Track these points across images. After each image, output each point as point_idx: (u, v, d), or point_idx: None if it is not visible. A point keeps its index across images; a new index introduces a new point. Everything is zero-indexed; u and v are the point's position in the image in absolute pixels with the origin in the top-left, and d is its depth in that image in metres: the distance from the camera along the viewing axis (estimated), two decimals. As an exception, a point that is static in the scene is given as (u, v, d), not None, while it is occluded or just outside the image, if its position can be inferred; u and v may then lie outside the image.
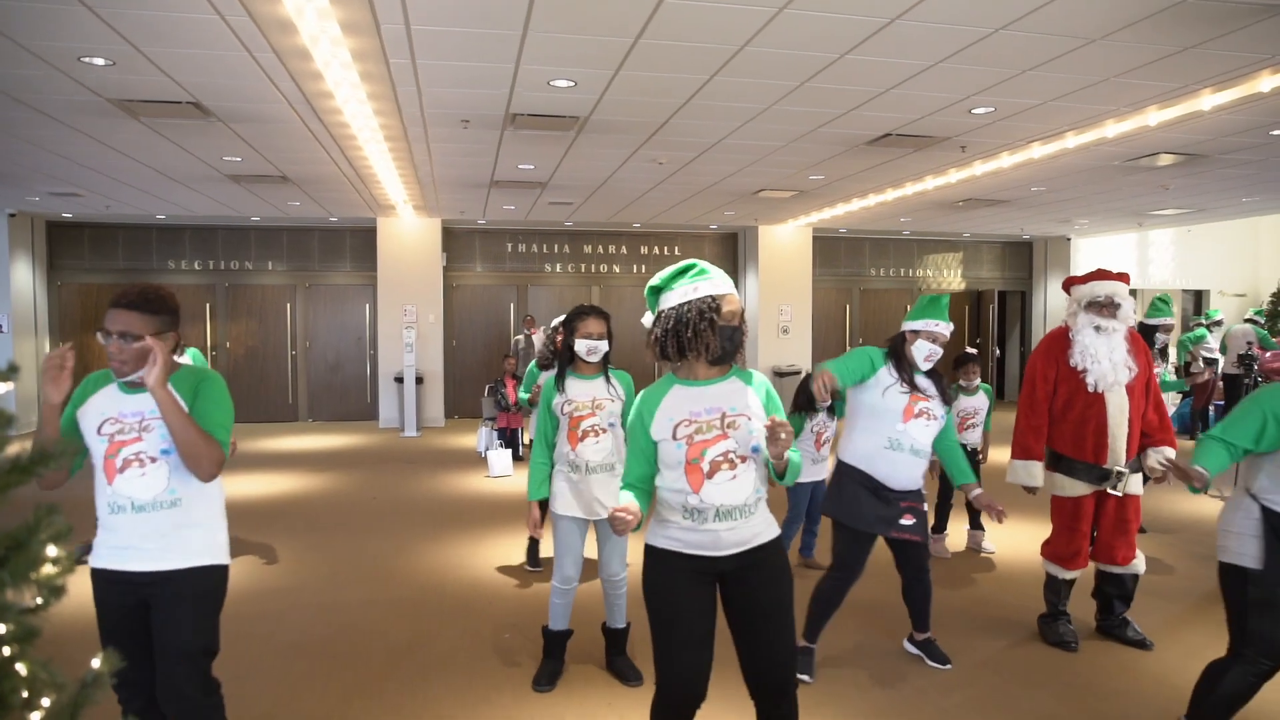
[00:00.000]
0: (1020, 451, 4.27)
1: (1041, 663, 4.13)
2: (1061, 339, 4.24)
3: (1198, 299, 16.27)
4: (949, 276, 15.78)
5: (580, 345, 3.78)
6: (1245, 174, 8.85)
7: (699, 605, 2.52)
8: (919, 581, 4.00)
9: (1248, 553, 2.95)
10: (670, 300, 2.56)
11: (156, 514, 2.51)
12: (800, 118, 6.58)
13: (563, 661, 3.95)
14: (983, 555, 5.99)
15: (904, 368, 3.80)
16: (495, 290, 14.19)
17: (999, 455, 7.12)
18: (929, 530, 3.92)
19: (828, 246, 14.94)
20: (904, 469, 3.75)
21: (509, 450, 9.21)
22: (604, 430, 3.76)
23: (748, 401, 2.53)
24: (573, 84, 5.67)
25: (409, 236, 12.94)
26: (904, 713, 3.61)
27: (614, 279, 14.53)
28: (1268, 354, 8.13)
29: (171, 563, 2.53)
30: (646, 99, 6.06)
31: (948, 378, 5.92)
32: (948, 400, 3.89)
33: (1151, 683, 3.86)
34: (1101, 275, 4.24)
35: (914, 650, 4.17)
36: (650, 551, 2.57)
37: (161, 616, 2.53)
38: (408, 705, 3.66)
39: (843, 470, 3.86)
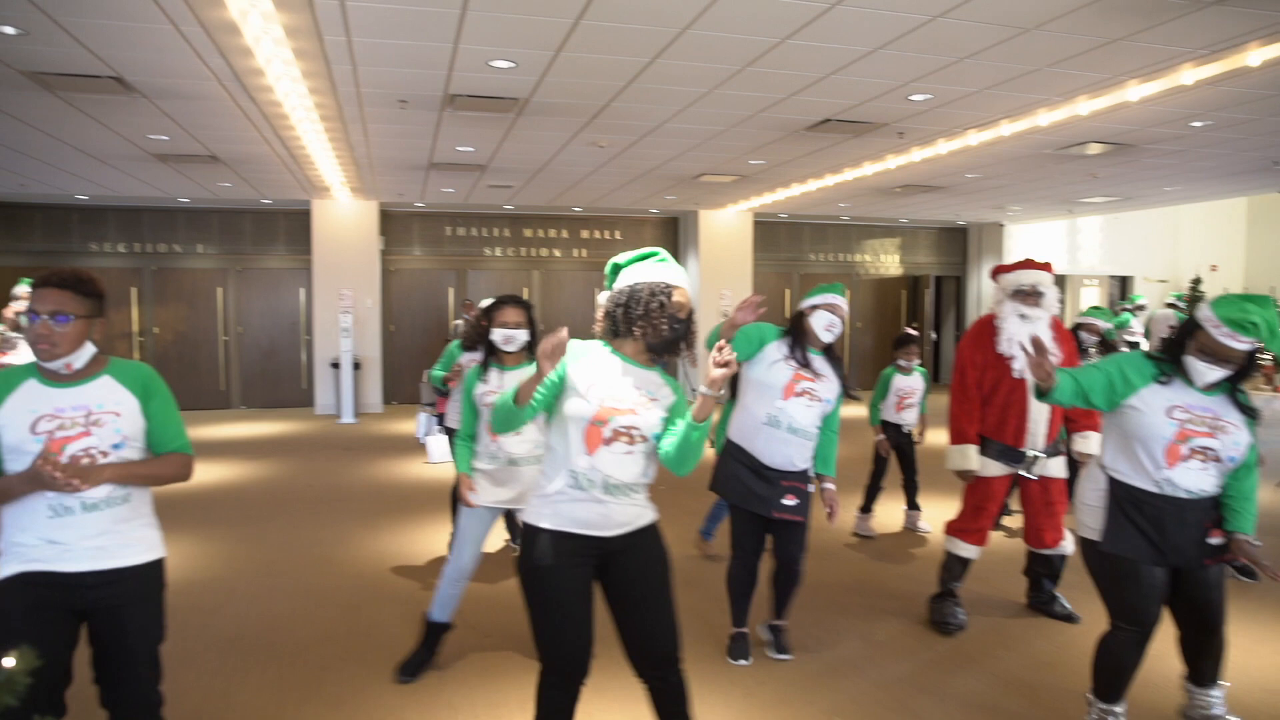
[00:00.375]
0: (956, 437, 4.32)
1: (974, 637, 4.23)
2: (989, 326, 4.33)
3: (1123, 285, 16.81)
4: (886, 261, 16.03)
5: (497, 334, 3.73)
6: (1168, 164, 9.14)
7: (583, 586, 2.53)
8: (789, 569, 3.93)
9: (1095, 525, 3.03)
10: (628, 278, 2.61)
11: (110, 511, 2.41)
12: (741, 102, 6.59)
13: (434, 654, 3.85)
14: (919, 534, 6.13)
15: (798, 345, 3.79)
16: (434, 274, 13.98)
17: (936, 438, 7.28)
18: (809, 510, 3.84)
19: (768, 231, 15.05)
20: (782, 448, 3.73)
21: (447, 436, 9.10)
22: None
23: (664, 395, 2.58)
24: (513, 65, 5.59)
25: (345, 219, 12.67)
26: (837, 686, 3.67)
27: (554, 263, 14.44)
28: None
29: (128, 559, 2.44)
30: (587, 81, 6.01)
31: (895, 356, 6.06)
32: (846, 388, 3.88)
33: (1079, 654, 3.98)
34: (1027, 265, 4.32)
35: (765, 635, 4.10)
36: (535, 532, 2.53)
37: (123, 619, 2.43)
38: (346, 696, 3.60)
39: (727, 448, 3.86)
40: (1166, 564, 2.93)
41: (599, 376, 2.52)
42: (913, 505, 6.28)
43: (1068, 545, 4.38)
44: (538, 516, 2.54)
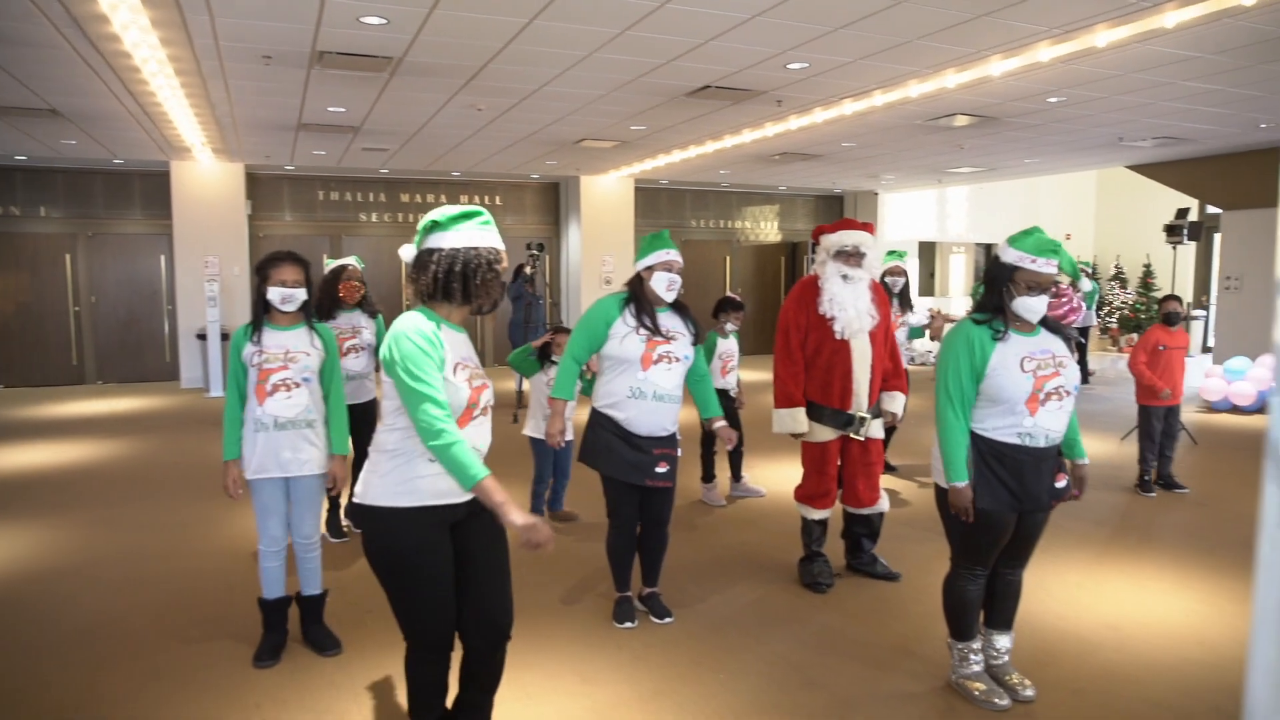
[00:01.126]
0: (784, 400, 4.32)
1: (824, 599, 4.40)
2: (811, 287, 4.31)
3: (988, 252, 17.65)
4: (766, 228, 16.34)
5: (274, 293, 3.49)
6: (1028, 137, 9.61)
7: (448, 559, 2.50)
8: (656, 528, 3.99)
9: None
10: (451, 240, 2.45)
11: None
12: (621, 66, 6.54)
13: (285, 632, 3.70)
14: (756, 497, 6.26)
15: (643, 310, 3.76)
16: (307, 241, 13.40)
17: (761, 399, 7.38)
18: (676, 475, 3.95)
19: (649, 197, 15.08)
20: (650, 416, 3.74)
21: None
22: (297, 385, 3.50)
23: (476, 359, 2.60)
24: (384, 21, 5.36)
25: (208, 182, 11.98)
26: (720, 644, 3.76)
27: (435, 229, 14.06)
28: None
29: None
30: (463, 41, 5.83)
31: (719, 320, 6.04)
32: (699, 338, 3.91)
33: (901, 606, 4.21)
34: (848, 225, 4.33)
35: (640, 607, 4.12)
36: (393, 514, 2.43)
37: None
38: (217, 681, 3.45)
39: (594, 418, 3.83)
40: (1021, 510, 3.11)
41: (455, 356, 2.45)
42: (737, 475, 6.27)
43: (884, 503, 4.52)
44: (393, 496, 2.44)
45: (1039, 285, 3.02)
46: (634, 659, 3.65)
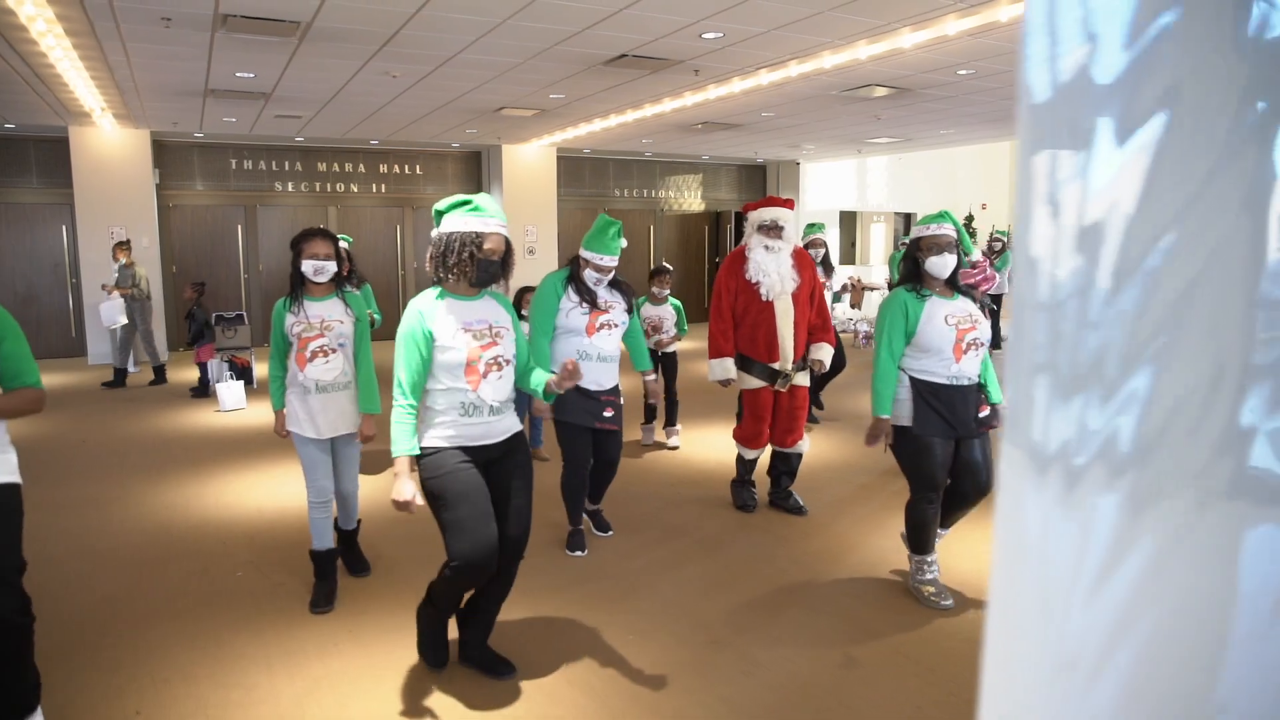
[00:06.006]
0: (715, 352, 4.94)
1: (728, 528, 4.59)
2: (741, 257, 4.89)
3: (907, 221, 18.04)
4: (689, 197, 16.40)
5: (307, 266, 3.82)
6: (942, 108, 9.83)
7: (481, 488, 2.95)
8: (608, 467, 4.58)
9: (903, 414, 3.77)
10: (446, 226, 2.94)
11: None
12: (537, 34, 6.48)
13: (335, 580, 3.98)
14: (669, 449, 6.69)
15: (583, 288, 4.30)
16: (220, 211, 13.01)
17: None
18: (622, 420, 4.57)
19: (572, 167, 14.99)
20: (595, 373, 4.29)
21: (241, 382, 8.63)
22: (333, 351, 3.83)
23: (504, 317, 3.05)
24: (289, -16, 5.22)
25: (111, 149, 11.49)
26: (606, 570, 3.89)
27: (351, 198, 13.78)
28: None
29: None
30: (374, 6, 5.70)
31: (649, 285, 6.59)
32: (630, 306, 4.46)
33: (807, 540, 4.42)
34: (770, 202, 4.90)
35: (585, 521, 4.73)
36: (428, 452, 2.94)
37: None
38: (125, 659, 3.41)
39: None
40: (955, 437, 3.74)
41: (455, 323, 2.92)
42: (670, 421, 6.77)
43: (805, 445, 5.11)
44: (429, 439, 2.99)
45: (939, 246, 3.71)
46: (583, 576, 3.73)
